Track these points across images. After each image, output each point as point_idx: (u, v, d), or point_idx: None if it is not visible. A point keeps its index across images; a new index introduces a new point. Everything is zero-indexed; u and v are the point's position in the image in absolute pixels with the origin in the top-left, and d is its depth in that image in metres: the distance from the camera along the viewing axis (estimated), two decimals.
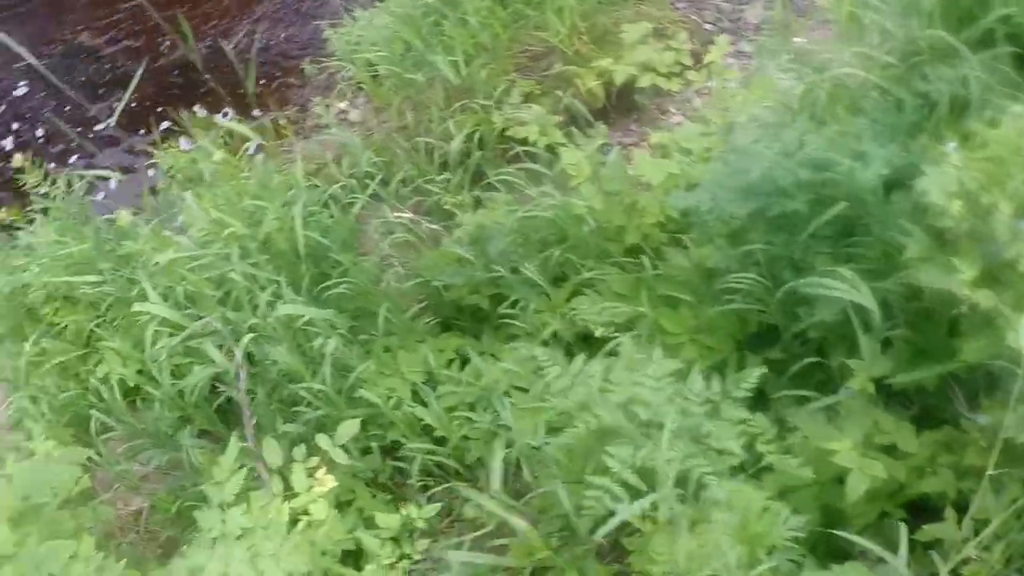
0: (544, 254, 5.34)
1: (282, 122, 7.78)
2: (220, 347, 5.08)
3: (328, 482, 4.26)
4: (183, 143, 7.27)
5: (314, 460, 4.39)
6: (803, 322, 4.30)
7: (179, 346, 5.24)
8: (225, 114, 8.84)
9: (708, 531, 3.45)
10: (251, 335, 4.97)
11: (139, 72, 6.30)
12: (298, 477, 4.30)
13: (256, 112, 8.34)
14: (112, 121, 5.73)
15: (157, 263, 5.41)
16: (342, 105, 8.13)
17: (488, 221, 5.57)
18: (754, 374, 3.85)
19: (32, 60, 5.54)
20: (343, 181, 6.17)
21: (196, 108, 8.90)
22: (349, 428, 4.64)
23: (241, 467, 4.34)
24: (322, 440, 4.55)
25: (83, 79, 10.24)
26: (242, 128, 6.11)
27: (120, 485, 5.81)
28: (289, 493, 4.28)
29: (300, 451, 4.44)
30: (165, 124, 8.51)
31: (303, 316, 5.05)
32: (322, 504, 4.22)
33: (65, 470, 4.59)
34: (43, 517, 4.48)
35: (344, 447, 4.59)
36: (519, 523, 4.28)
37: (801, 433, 3.95)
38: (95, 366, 5.87)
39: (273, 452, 4.42)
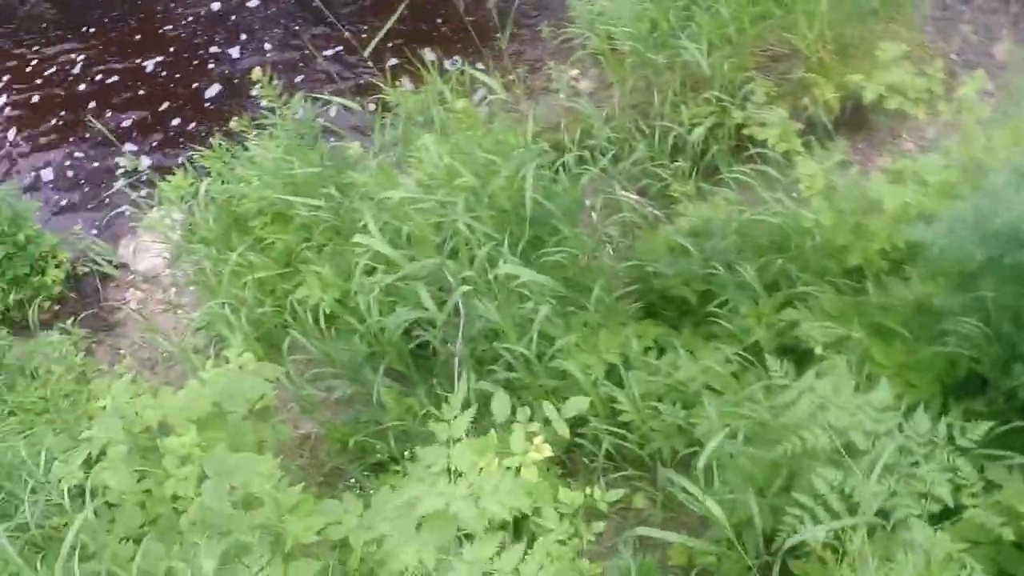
0: (763, 259, 5.24)
1: (512, 78, 7.72)
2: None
3: (545, 450, 4.26)
4: (407, 82, 7.27)
5: (535, 425, 4.37)
6: (1016, 380, 4.15)
7: (387, 284, 5.22)
8: (454, 61, 8.86)
9: (892, 570, 3.40)
10: (465, 287, 4.92)
11: (401, 7, 6.25)
12: (517, 438, 4.27)
13: (488, 65, 8.32)
14: (367, 52, 5.69)
15: (386, 199, 5.37)
16: (574, 72, 8.08)
17: (713, 216, 5.48)
18: (982, 427, 3.75)
19: None
20: (573, 150, 6.09)
21: (427, 51, 8.93)
22: (577, 404, 4.65)
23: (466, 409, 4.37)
24: (549, 410, 4.58)
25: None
26: (491, 80, 6.06)
27: (296, 407, 5.85)
28: (505, 451, 4.26)
29: (524, 413, 4.42)
30: (393, 60, 8.55)
31: (518, 277, 4.98)
32: (534, 470, 4.19)
33: (258, 384, 4.64)
34: (229, 426, 4.53)
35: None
36: (717, 512, 4.16)
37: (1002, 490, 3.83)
38: (295, 287, 5.90)
39: (502, 406, 4.42)
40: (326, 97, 6.70)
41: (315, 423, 5.89)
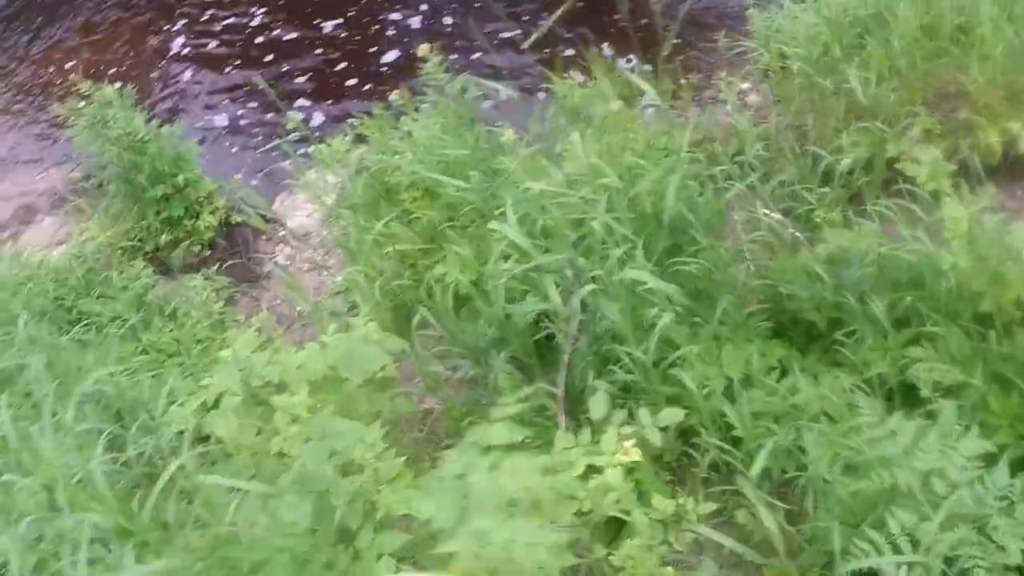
0: (895, 295, 5.21)
1: (682, 83, 7.72)
2: (558, 286, 5.09)
3: (634, 455, 4.23)
4: (577, 76, 7.30)
5: (628, 429, 4.37)
6: None
7: (521, 273, 5.27)
8: (629, 60, 8.88)
9: None
10: (592, 285, 4.97)
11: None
12: (609, 439, 4.28)
13: (657, 68, 8.33)
14: (528, 44, 5.76)
15: (528, 188, 5.43)
16: (744, 86, 8.07)
17: (852, 245, 5.45)
18: None
19: None
20: (725, 165, 6.09)
21: (604, 47, 8.97)
22: (673, 415, 4.59)
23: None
24: (644, 416, 4.48)
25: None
26: (647, 85, 6.07)
27: (421, 381, 5.92)
28: (593, 449, 4.28)
29: (620, 415, 4.43)
30: (568, 52, 8.59)
31: (646, 283, 5.01)
32: (618, 473, 4.20)
33: (378, 355, 4.70)
34: (342, 392, 4.61)
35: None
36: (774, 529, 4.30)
37: None
38: (434, 263, 5.97)
39: (598, 405, 4.43)
40: (490, 84, 6.74)
41: (438, 400, 5.95)
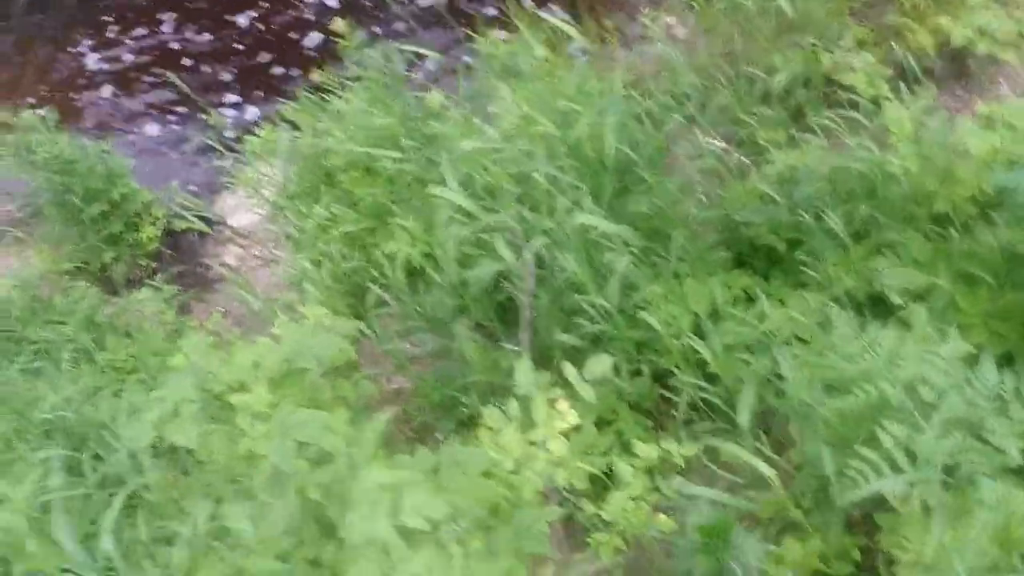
0: (848, 206, 5.17)
1: (606, 24, 7.64)
2: (510, 245, 4.99)
3: (569, 417, 4.04)
4: (500, 34, 7.19)
5: (557, 391, 4.14)
6: None
7: (470, 236, 5.16)
8: (550, 9, 8.77)
9: (966, 526, 3.32)
10: (544, 239, 4.86)
11: None
12: (539, 406, 4.07)
13: (580, 14, 8.23)
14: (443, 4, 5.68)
15: (461, 149, 5.31)
16: (670, 20, 7.99)
17: (800, 163, 5.40)
18: None
19: None
20: (659, 98, 6.00)
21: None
22: (600, 364, 4.38)
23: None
24: (569, 371, 4.20)
25: None
26: (571, 29, 5.97)
27: (387, 362, 5.83)
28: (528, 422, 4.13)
29: (544, 376, 4.23)
30: (490, 11, 8.48)
31: (597, 227, 4.90)
32: (561, 442, 4.03)
33: (332, 340, 4.60)
34: (303, 383, 4.51)
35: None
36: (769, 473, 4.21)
37: None
38: (382, 241, 5.86)
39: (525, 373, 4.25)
40: (413, 50, 6.63)
41: (407, 378, 5.87)
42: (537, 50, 6.06)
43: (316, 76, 6.82)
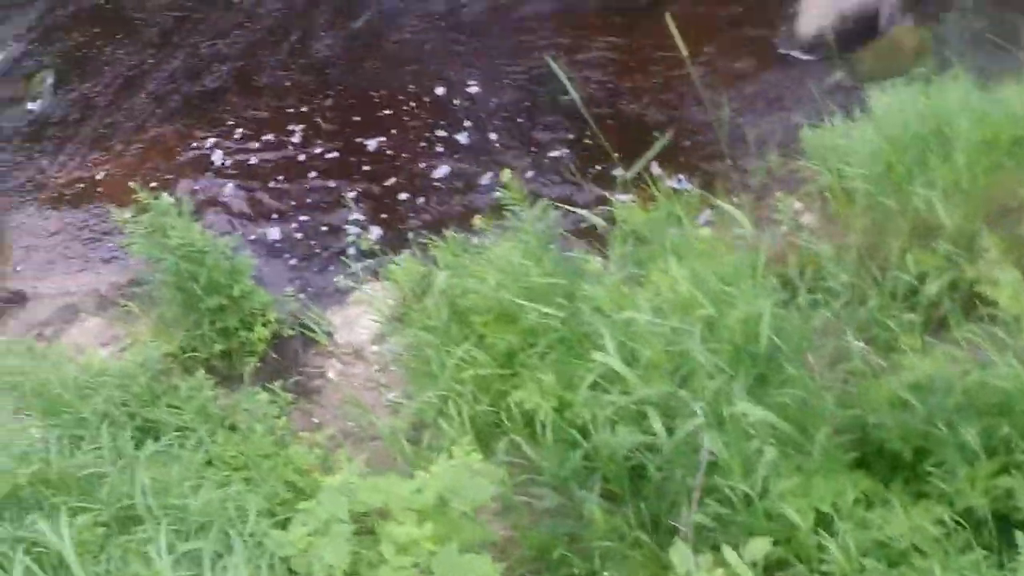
0: (984, 423, 5.13)
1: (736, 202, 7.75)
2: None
3: None
4: (619, 195, 7.29)
5: (719, 572, 4.30)
6: None
7: (627, 405, 5.25)
8: (680, 180, 8.94)
9: None
10: (700, 419, 4.94)
11: (667, 136, 6.31)
12: None
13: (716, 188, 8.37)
14: (629, 174, 5.80)
15: (628, 319, 5.42)
16: (798, 206, 8.08)
17: (938, 373, 5.42)
18: None
19: (575, 96, 5.64)
20: (802, 288, 6.07)
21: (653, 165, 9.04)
22: (759, 546, 4.51)
23: None
24: (728, 554, 4.39)
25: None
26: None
27: (499, 507, 5.88)
28: None
29: (706, 560, 4.35)
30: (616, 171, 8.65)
31: (748, 416, 4.99)
32: None
33: (484, 486, 4.70)
34: (450, 520, 4.60)
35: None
36: None
37: None
38: (513, 388, 5.95)
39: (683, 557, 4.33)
40: (574, 210, 6.76)
41: (505, 526, 5.91)
42: (701, 229, 6.18)
43: (476, 221, 6.97)
